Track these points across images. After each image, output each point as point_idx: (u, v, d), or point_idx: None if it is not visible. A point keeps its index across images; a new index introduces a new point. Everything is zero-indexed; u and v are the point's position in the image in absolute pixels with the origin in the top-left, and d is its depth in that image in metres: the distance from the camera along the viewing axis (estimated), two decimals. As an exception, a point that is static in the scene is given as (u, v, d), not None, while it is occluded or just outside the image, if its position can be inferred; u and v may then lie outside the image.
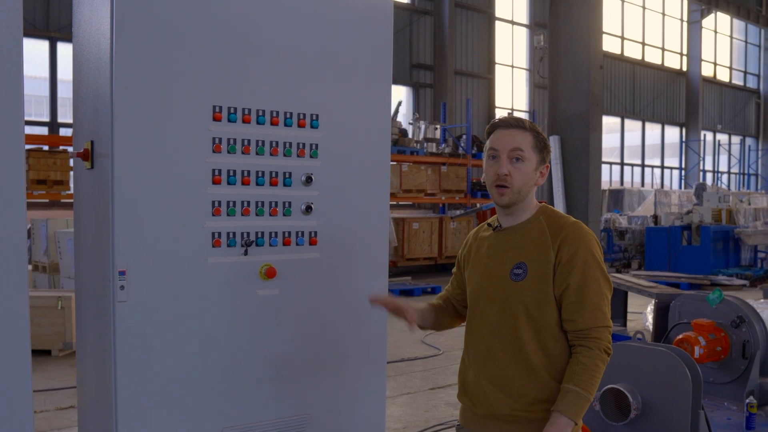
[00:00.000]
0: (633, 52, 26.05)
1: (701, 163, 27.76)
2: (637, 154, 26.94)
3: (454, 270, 2.58)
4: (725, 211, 15.98)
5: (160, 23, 2.62)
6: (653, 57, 27.09)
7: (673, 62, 28.02)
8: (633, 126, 26.66)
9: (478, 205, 14.22)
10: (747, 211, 16.32)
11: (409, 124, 15.21)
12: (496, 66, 20.92)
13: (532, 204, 2.35)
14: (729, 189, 26.04)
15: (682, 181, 28.04)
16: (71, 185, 9.69)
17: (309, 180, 2.94)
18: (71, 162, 9.35)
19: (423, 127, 14.63)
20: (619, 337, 6.76)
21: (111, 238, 2.57)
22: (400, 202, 15.44)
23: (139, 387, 2.63)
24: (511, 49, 21.76)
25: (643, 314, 8.97)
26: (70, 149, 8.08)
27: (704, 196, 16.81)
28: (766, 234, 15.32)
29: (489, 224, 2.45)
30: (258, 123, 2.82)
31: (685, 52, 28.33)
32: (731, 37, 30.99)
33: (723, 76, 30.54)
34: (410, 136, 14.44)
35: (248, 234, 2.83)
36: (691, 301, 5.13)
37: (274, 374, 2.92)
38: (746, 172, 30.73)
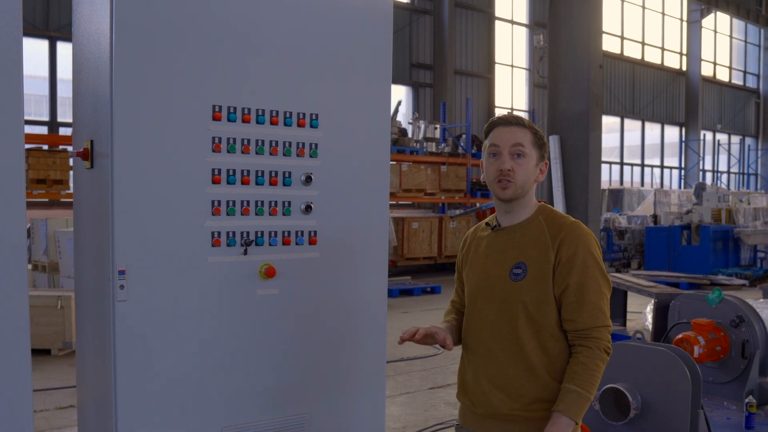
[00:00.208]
0: (633, 51, 26.04)
1: (701, 162, 27.75)
2: (636, 153, 26.93)
3: (456, 277, 2.55)
4: (725, 211, 16.00)
5: (159, 23, 2.62)
6: (653, 57, 27.09)
7: (673, 62, 28.02)
8: (633, 126, 26.65)
9: (477, 204, 14.22)
10: (746, 211, 16.34)
11: (409, 123, 15.21)
12: (496, 65, 20.91)
13: (531, 202, 2.35)
14: (728, 189, 26.06)
15: (682, 181, 28.04)
16: (71, 185, 9.69)
17: (308, 179, 2.94)
18: (71, 161, 9.34)
19: (423, 126, 14.63)
20: (619, 336, 6.74)
21: (111, 238, 2.57)
22: (400, 202, 15.44)
23: (139, 386, 2.64)
24: (511, 49, 21.75)
25: (642, 314, 8.97)
26: (70, 149, 8.08)
27: (704, 196, 16.80)
28: (766, 234, 15.33)
29: (487, 223, 2.44)
30: (258, 122, 2.82)
31: (684, 51, 28.32)
32: (731, 36, 30.98)
33: (723, 75, 30.54)
34: (410, 135, 14.44)
35: (248, 233, 2.83)
36: (691, 300, 5.13)
37: (274, 374, 2.92)
38: (746, 171, 30.74)
